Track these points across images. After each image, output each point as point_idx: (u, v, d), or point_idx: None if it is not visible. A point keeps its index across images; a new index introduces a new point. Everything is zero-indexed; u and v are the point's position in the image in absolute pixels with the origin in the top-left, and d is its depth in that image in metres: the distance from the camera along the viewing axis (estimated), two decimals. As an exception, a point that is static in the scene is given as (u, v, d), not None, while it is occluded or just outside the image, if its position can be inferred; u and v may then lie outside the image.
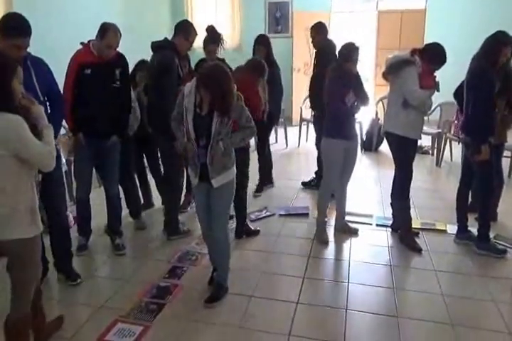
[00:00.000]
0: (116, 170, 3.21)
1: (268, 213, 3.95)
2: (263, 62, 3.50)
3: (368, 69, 7.93)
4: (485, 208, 3.24)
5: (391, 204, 3.58)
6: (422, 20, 7.18)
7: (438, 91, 3.19)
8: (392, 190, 3.48)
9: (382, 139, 6.16)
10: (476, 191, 3.52)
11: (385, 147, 6.12)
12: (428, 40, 6.93)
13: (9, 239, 1.78)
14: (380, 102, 6.37)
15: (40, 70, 2.49)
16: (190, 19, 7.81)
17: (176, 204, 3.53)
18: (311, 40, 4.38)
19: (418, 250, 3.26)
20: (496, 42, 3.01)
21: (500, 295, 2.71)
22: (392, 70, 3.22)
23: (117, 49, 2.95)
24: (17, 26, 2.29)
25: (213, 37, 3.86)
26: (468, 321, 2.46)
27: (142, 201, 3.94)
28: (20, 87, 1.83)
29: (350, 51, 3.19)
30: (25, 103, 1.84)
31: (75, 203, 3.33)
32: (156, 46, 3.20)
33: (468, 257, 3.20)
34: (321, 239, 3.42)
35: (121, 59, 3.03)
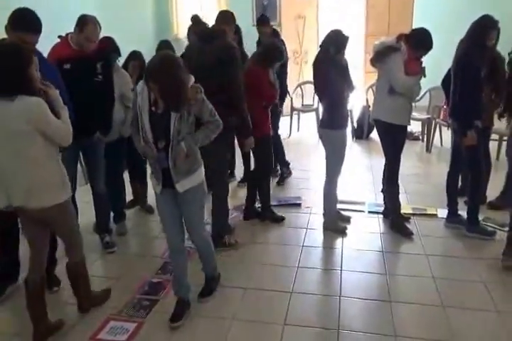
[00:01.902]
0: (101, 167, 3.12)
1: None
2: (275, 47, 3.43)
3: (357, 56, 7.91)
4: (474, 192, 3.29)
5: (382, 191, 3.62)
6: (410, 6, 7.15)
7: (424, 76, 3.20)
8: (384, 177, 3.52)
9: (373, 127, 6.20)
10: (466, 175, 3.57)
11: (376, 134, 6.14)
12: (416, 25, 6.99)
13: (46, 206, 2.07)
14: (370, 89, 6.38)
15: (47, 70, 2.36)
16: (175, 12, 7.76)
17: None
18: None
19: (409, 234, 3.31)
20: (482, 26, 3.01)
21: (489, 276, 2.77)
22: (378, 57, 3.22)
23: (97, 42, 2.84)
24: (28, 22, 2.31)
25: (197, 25, 3.81)
26: (459, 302, 2.52)
27: (133, 197, 3.90)
28: (37, 73, 2.04)
29: (343, 42, 3.18)
30: (43, 87, 2.07)
31: None
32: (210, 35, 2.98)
33: (459, 240, 3.25)
34: (341, 229, 3.43)
35: (102, 53, 2.96)
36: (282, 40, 4.52)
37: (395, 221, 3.44)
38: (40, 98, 2.00)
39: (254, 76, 3.23)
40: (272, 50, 3.40)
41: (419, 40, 3.12)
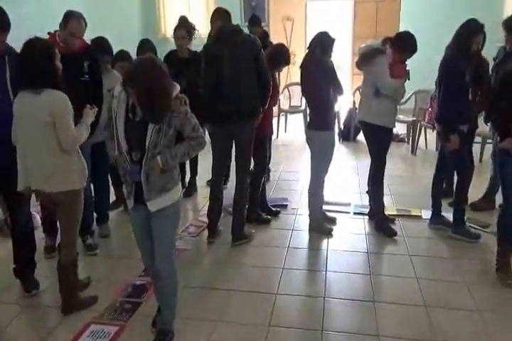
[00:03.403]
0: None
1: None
2: (283, 50, 3.49)
3: (344, 58, 7.97)
4: (460, 194, 3.32)
5: (367, 192, 3.65)
6: (396, 9, 7.24)
7: (408, 79, 3.24)
8: (369, 178, 3.55)
9: (360, 128, 6.25)
10: (450, 177, 3.62)
11: (362, 136, 6.20)
12: (403, 28, 7.06)
13: (62, 190, 2.25)
14: (357, 91, 6.43)
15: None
16: (162, 11, 7.71)
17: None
18: None
19: (393, 234, 3.34)
20: (467, 30, 3.04)
21: (471, 277, 2.81)
22: (364, 60, 3.25)
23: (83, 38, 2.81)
24: None
25: (183, 24, 3.79)
26: (441, 302, 2.55)
27: (115, 198, 3.83)
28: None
29: (330, 43, 3.21)
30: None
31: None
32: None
33: (442, 241, 3.29)
34: (327, 230, 3.44)
35: (89, 51, 2.90)
36: (271, 42, 4.52)
37: (380, 221, 3.47)
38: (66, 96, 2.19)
39: None
40: (280, 53, 3.45)
41: (404, 44, 3.16)
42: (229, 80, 2.98)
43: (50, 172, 2.23)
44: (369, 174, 3.56)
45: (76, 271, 2.48)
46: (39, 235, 3.04)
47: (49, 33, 2.83)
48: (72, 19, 2.71)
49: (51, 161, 2.23)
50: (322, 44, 3.19)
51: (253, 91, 3.04)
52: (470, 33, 3.03)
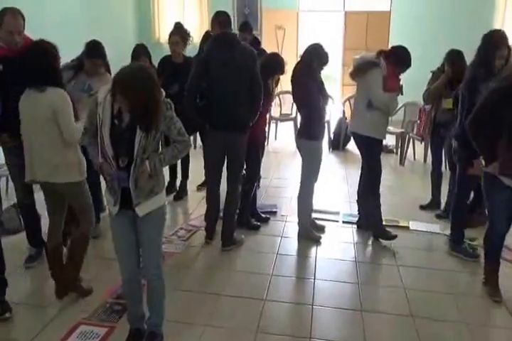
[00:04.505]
0: None
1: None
2: (276, 59, 3.50)
3: (335, 68, 8.06)
4: (457, 212, 3.26)
5: (357, 201, 3.67)
6: (386, 22, 7.38)
7: (402, 94, 3.27)
8: (359, 187, 3.58)
9: (350, 138, 6.32)
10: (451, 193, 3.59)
11: (352, 145, 6.25)
12: (392, 41, 7.22)
13: (62, 182, 2.43)
14: (347, 101, 6.51)
15: None
16: (157, 16, 7.72)
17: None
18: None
19: (394, 237, 3.38)
20: (489, 46, 2.88)
21: (458, 288, 2.84)
22: (359, 72, 3.29)
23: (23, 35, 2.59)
24: None
25: (178, 30, 3.83)
26: (428, 313, 2.57)
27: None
28: None
29: (327, 57, 3.25)
30: None
31: (17, 208, 3.10)
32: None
33: (430, 252, 3.34)
34: (316, 237, 3.46)
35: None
36: (263, 49, 4.54)
37: (379, 230, 3.46)
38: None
39: None
40: (275, 62, 3.46)
41: (400, 58, 3.19)
42: (220, 88, 3.01)
43: (53, 165, 2.40)
44: (359, 183, 3.59)
45: (86, 249, 2.66)
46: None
47: None
48: (6, 15, 2.49)
49: (53, 154, 2.40)
50: (319, 56, 3.23)
51: (244, 100, 3.05)
52: (491, 49, 2.86)
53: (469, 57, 3.16)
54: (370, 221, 3.52)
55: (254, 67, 3.06)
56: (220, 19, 3.18)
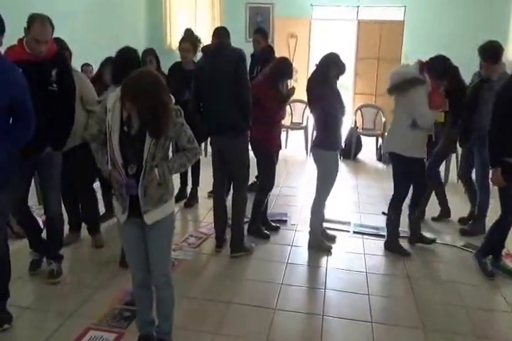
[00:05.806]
0: (54, 186, 2.79)
1: (246, 219, 3.97)
2: (285, 63, 3.47)
3: (347, 77, 8.07)
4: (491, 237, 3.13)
5: (384, 213, 3.64)
6: (400, 32, 7.37)
7: (446, 110, 3.15)
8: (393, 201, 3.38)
9: (361, 147, 6.31)
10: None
11: (362, 155, 6.26)
12: (406, 50, 7.22)
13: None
14: (359, 111, 6.51)
15: (4, 75, 2.12)
16: (169, 23, 7.82)
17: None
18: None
19: (407, 254, 3.35)
20: None
21: (470, 300, 2.80)
22: (399, 90, 3.07)
23: (51, 44, 2.54)
24: None
25: (189, 37, 3.86)
26: (441, 326, 2.54)
27: (105, 211, 3.71)
28: None
29: (343, 66, 3.19)
30: None
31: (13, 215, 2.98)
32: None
33: (441, 264, 3.30)
34: (327, 247, 3.43)
35: (58, 58, 2.62)
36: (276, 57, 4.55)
37: (393, 243, 3.41)
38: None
39: (260, 90, 3.26)
40: (283, 66, 3.43)
41: (444, 69, 3.03)
42: (209, 94, 3.07)
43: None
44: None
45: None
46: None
47: (19, 40, 2.56)
48: (34, 23, 2.43)
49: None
50: (338, 66, 3.17)
51: (234, 104, 3.02)
52: None
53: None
54: (418, 235, 3.49)
55: (240, 70, 3.01)
56: (217, 31, 3.32)
